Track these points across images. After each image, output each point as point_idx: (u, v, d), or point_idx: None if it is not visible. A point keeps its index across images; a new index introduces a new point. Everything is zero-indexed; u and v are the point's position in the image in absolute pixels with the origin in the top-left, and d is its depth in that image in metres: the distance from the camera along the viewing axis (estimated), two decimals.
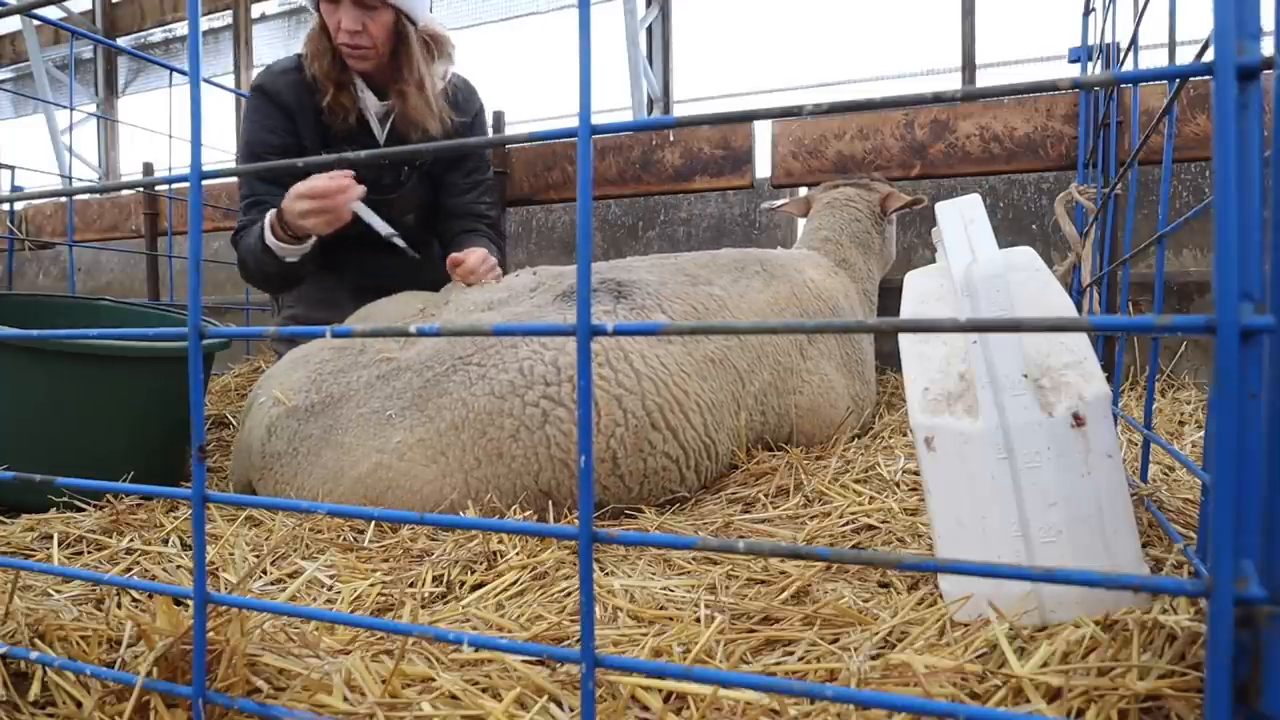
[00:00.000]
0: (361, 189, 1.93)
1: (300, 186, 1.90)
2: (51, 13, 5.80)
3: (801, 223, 2.51)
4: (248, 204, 2.23)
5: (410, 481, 1.44)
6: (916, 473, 1.50)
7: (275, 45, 6.45)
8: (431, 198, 2.51)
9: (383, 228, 1.97)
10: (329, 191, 1.87)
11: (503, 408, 1.45)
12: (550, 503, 1.46)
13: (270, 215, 2.02)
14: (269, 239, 2.01)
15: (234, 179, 3.61)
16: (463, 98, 2.45)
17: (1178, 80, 0.93)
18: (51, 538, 1.34)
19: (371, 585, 1.14)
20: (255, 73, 6.42)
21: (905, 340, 1.00)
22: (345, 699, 0.76)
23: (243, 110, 2.33)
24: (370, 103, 2.30)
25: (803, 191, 2.68)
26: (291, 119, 2.26)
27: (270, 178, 2.19)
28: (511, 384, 1.47)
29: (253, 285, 2.38)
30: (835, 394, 1.90)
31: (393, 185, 2.40)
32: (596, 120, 0.55)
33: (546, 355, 1.50)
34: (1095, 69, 2.14)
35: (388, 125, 2.33)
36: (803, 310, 1.96)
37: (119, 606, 0.98)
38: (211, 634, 0.76)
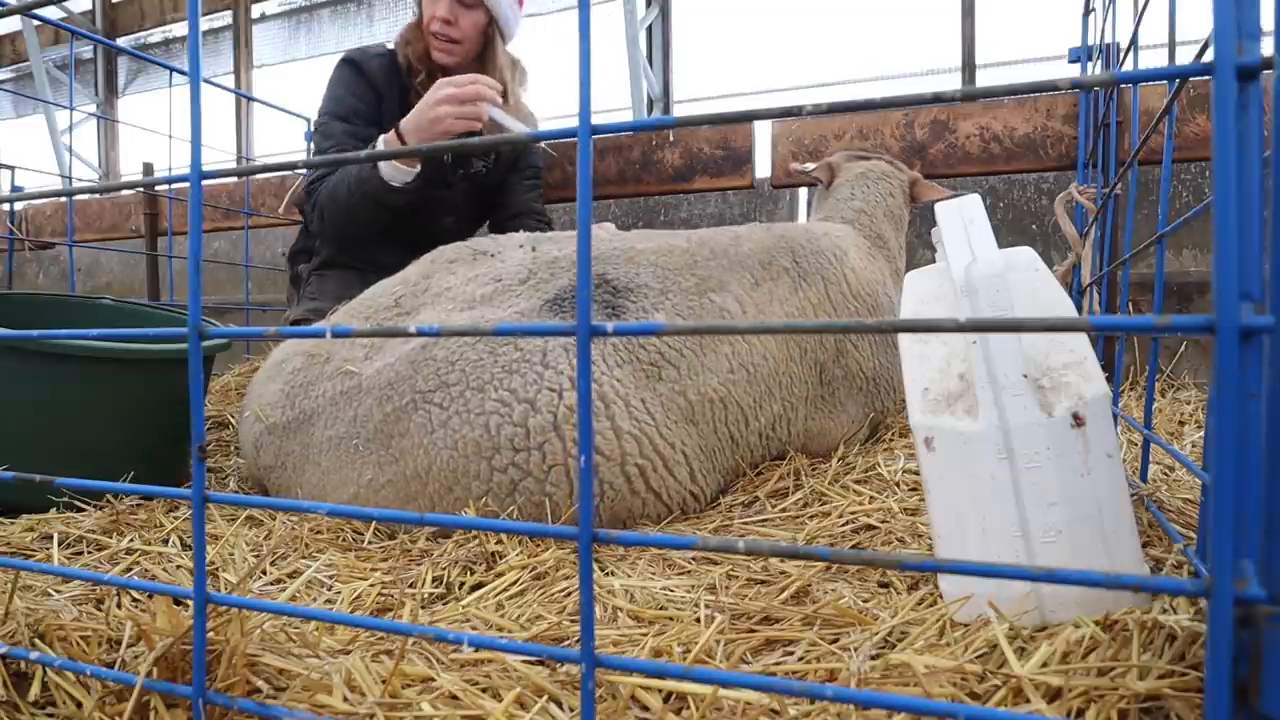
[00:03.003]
0: (497, 97, 2.05)
1: (440, 92, 2.00)
2: (51, 13, 5.80)
3: (803, 198, 2.45)
4: (328, 151, 2.31)
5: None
6: (916, 473, 1.49)
7: (275, 45, 6.45)
8: (478, 206, 2.58)
9: (516, 126, 2.07)
10: (468, 96, 2.00)
11: (468, 469, 1.33)
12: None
13: (387, 135, 2.10)
14: (382, 163, 2.10)
15: (234, 179, 3.61)
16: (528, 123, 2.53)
17: (1178, 80, 0.93)
18: (51, 538, 1.34)
19: (371, 585, 1.14)
20: (255, 73, 6.43)
21: (905, 340, 1.00)
22: (345, 699, 0.76)
23: (330, 78, 2.42)
24: None
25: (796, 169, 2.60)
26: (379, 98, 2.38)
27: (354, 132, 2.30)
28: (476, 443, 1.32)
29: (327, 228, 2.34)
30: (846, 415, 1.75)
31: (436, 184, 2.42)
32: (596, 120, 0.55)
33: (515, 411, 1.32)
34: (1095, 69, 2.14)
35: None
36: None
37: (119, 606, 0.98)
38: (211, 634, 0.76)
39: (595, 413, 1.37)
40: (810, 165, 2.40)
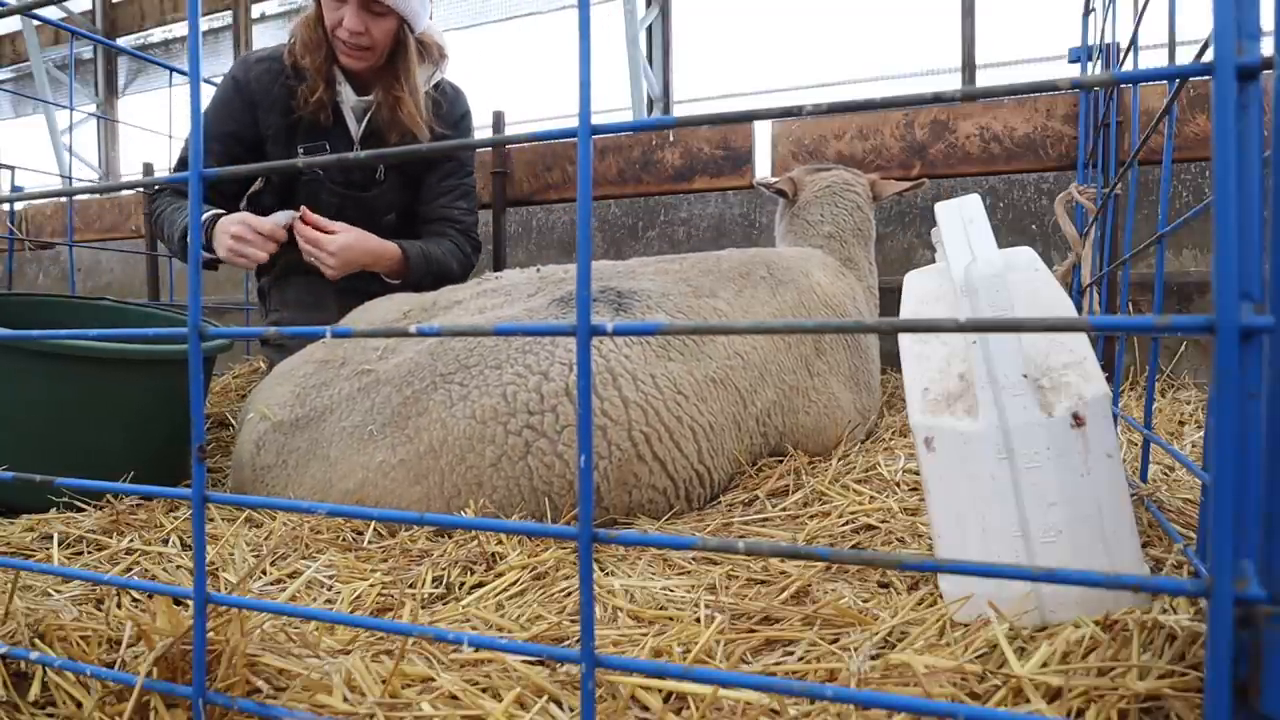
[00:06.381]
0: (270, 245, 2.07)
1: (231, 229, 2.02)
2: (51, 13, 5.80)
3: (779, 207, 2.43)
4: (178, 165, 2.36)
5: (396, 500, 1.42)
6: (916, 473, 1.50)
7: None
8: (412, 200, 2.47)
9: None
10: (250, 250, 2.03)
11: (484, 434, 1.40)
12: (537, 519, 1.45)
13: (210, 215, 2.10)
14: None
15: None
16: (448, 103, 2.42)
17: (1177, 80, 0.93)
18: (51, 538, 1.34)
19: (371, 586, 1.14)
20: None
21: (905, 340, 1.00)
22: (345, 699, 0.76)
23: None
24: (348, 97, 2.29)
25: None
26: (254, 110, 2.28)
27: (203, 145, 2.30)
28: (494, 409, 1.41)
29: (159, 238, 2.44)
30: (840, 412, 1.84)
31: (367, 184, 2.38)
32: (596, 120, 0.55)
33: (531, 380, 1.43)
34: (1095, 69, 2.14)
35: (364, 121, 2.30)
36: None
37: (119, 606, 0.98)
38: (211, 634, 0.76)
39: (603, 384, 1.46)
40: (773, 179, 2.40)
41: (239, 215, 2.06)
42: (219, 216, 2.09)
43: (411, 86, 2.24)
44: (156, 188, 2.34)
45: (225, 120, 2.28)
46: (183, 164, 2.34)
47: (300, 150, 2.29)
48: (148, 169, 3.65)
